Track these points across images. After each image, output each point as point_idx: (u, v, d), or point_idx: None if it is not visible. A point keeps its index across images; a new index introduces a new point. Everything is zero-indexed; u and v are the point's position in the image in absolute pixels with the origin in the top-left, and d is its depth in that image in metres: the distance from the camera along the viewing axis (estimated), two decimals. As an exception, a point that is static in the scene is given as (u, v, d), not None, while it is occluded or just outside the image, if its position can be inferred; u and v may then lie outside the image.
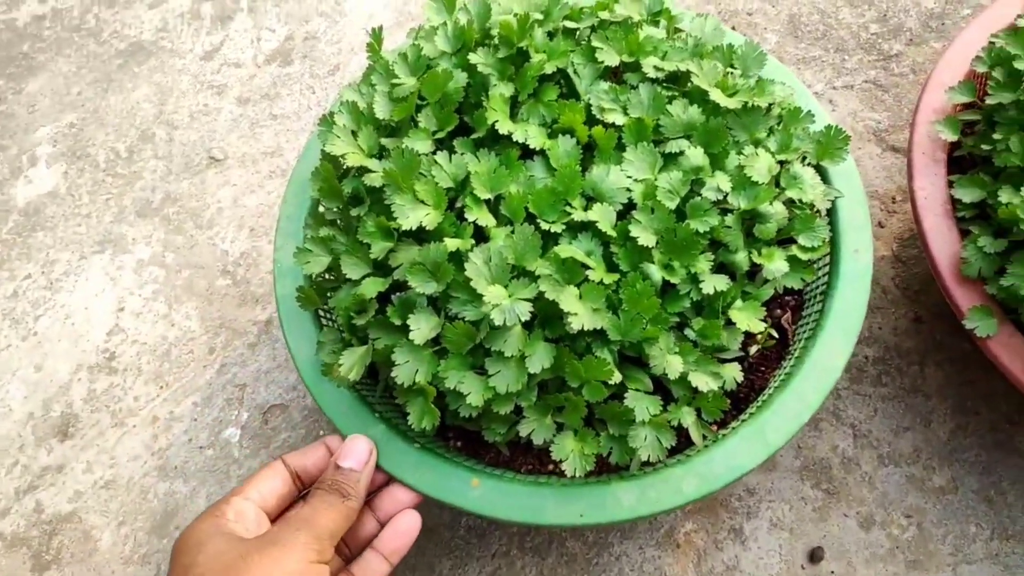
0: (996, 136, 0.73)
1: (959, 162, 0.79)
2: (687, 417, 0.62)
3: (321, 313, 0.71)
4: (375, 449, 0.64)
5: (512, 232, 0.60)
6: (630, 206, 0.63)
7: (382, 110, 0.67)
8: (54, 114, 1.15)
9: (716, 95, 0.67)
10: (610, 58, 0.69)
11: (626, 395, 0.60)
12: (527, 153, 0.65)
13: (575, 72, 0.69)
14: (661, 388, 0.63)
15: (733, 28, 1.12)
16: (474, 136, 0.66)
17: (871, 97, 1.05)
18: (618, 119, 0.66)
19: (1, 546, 0.85)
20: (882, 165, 0.99)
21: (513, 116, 0.67)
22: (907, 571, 0.75)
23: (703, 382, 0.60)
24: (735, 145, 0.68)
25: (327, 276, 0.69)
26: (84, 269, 1.01)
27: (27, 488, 0.88)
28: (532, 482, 0.62)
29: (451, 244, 0.59)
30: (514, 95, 0.67)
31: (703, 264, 0.62)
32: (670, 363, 0.60)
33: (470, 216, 0.61)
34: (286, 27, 1.20)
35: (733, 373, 0.63)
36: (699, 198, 0.64)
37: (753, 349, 0.70)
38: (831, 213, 0.72)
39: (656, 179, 0.64)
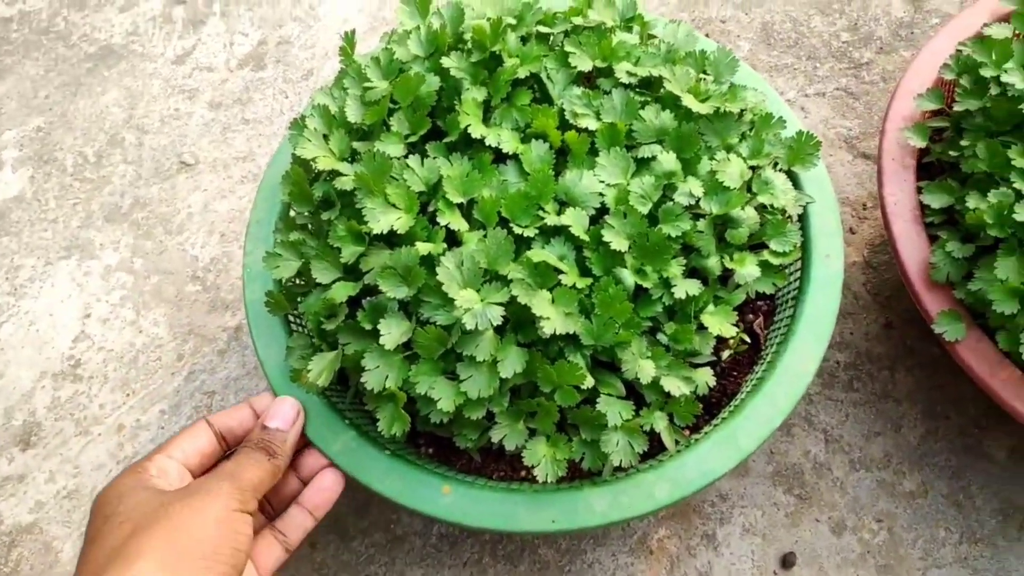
0: (963, 143, 0.73)
1: (928, 168, 0.80)
2: (659, 422, 0.62)
3: (291, 319, 0.70)
4: (303, 411, 0.64)
5: (485, 236, 0.59)
6: (603, 211, 0.63)
7: (354, 114, 0.66)
8: (21, 117, 1.13)
9: (688, 100, 0.67)
10: (583, 63, 0.69)
11: (598, 400, 0.59)
12: (500, 157, 0.65)
13: (548, 77, 0.69)
14: (634, 393, 0.62)
15: (707, 35, 1.12)
16: (447, 140, 0.65)
17: (842, 104, 1.06)
18: (591, 124, 0.66)
19: (-40, 559, 0.83)
20: (853, 172, 1.00)
21: (486, 120, 0.67)
22: None
23: (675, 386, 0.60)
24: (707, 150, 0.68)
25: (297, 281, 0.68)
26: (50, 275, 0.99)
27: (-12, 499, 0.86)
28: (504, 489, 0.61)
29: (423, 248, 0.58)
30: (487, 99, 0.67)
31: (675, 269, 0.62)
32: (642, 367, 0.59)
33: (442, 220, 0.60)
34: (259, 31, 1.19)
35: (705, 378, 0.63)
36: (671, 203, 0.64)
37: (725, 354, 0.70)
38: (803, 219, 0.72)
39: (629, 184, 0.64)
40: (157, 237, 1.01)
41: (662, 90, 0.70)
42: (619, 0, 0.73)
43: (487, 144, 0.64)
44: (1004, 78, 0.72)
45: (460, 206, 0.62)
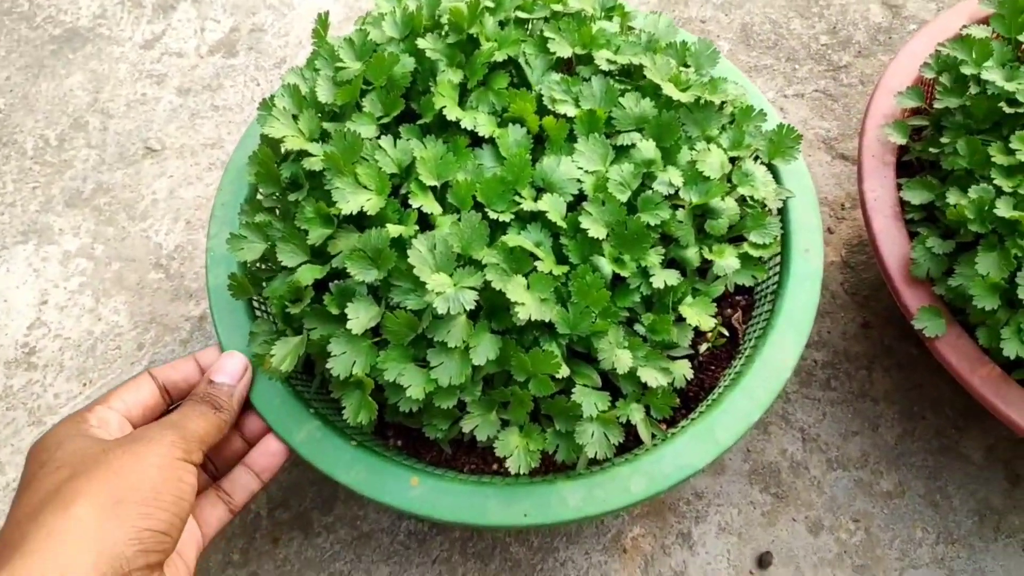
0: (944, 140, 0.73)
1: (907, 167, 0.79)
2: (636, 414, 0.60)
3: (255, 304, 0.67)
4: (250, 367, 0.62)
5: (458, 220, 0.57)
6: (581, 198, 0.62)
7: (325, 94, 0.64)
8: (-20, 99, 1.09)
9: (669, 89, 0.66)
10: (562, 49, 0.67)
11: (573, 390, 0.58)
12: (476, 141, 0.63)
13: (527, 63, 0.68)
14: (610, 385, 0.61)
15: (686, 34, 1.12)
16: (421, 122, 0.64)
17: (821, 106, 1.06)
18: (570, 111, 0.65)
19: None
20: (831, 172, 1.00)
21: (462, 104, 0.65)
22: (854, 576, 0.74)
23: (653, 378, 0.59)
24: (687, 140, 0.67)
25: (262, 266, 0.66)
26: (5, 260, 0.95)
27: (-67, 493, 0.82)
28: (475, 481, 0.59)
29: (393, 230, 0.56)
30: (463, 82, 0.65)
31: (654, 258, 0.61)
32: (619, 358, 0.58)
33: (415, 203, 0.58)
34: (232, 18, 1.16)
35: (683, 370, 0.62)
36: (651, 191, 0.62)
37: (703, 347, 0.69)
38: (782, 213, 0.71)
39: (607, 171, 0.62)
40: (120, 223, 0.97)
41: (642, 80, 0.69)
42: (600, -12, 0.72)
43: (462, 127, 0.62)
44: (984, 75, 0.71)
45: (433, 189, 0.60)
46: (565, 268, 0.58)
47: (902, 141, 0.76)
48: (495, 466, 0.65)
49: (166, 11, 1.17)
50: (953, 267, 0.67)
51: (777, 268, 0.69)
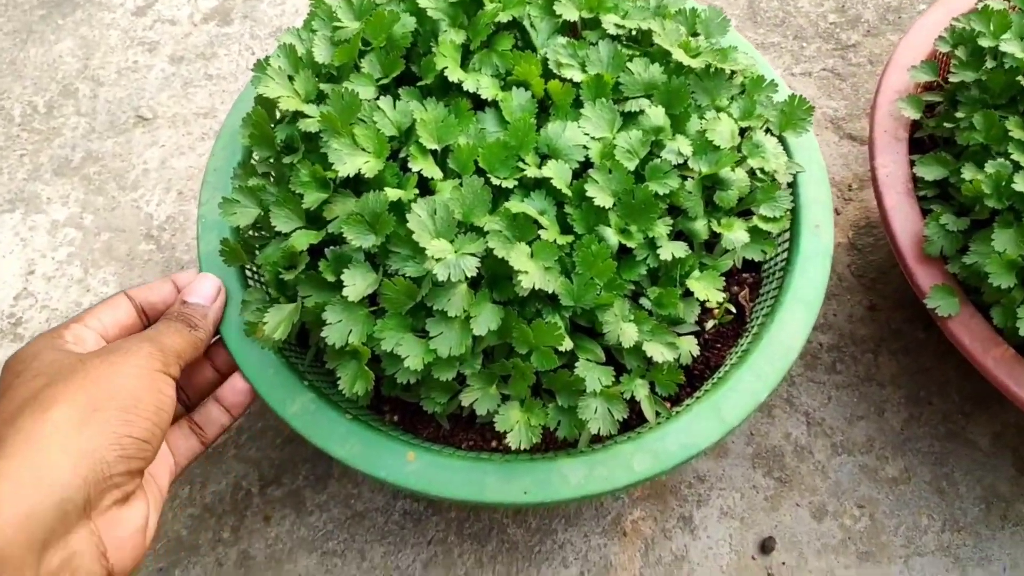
0: (959, 114, 0.71)
1: (919, 144, 0.77)
2: (640, 390, 0.58)
3: (248, 272, 0.65)
4: (224, 288, 0.62)
5: (460, 186, 0.55)
6: (587, 165, 0.59)
7: (322, 54, 0.62)
8: (-34, 65, 1.06)
9: (679, 55, 0.63)
10: (569, 12, 0.65)
11: (576, 364, 0.55)
12: (478, 105, 0.61)
13: (531, 25, 0.65)
14: (613, 361, 0.59)
15: (693, 10, 1.09)
16: (421, 84, 0.61)
17: (828, 85, 1.04)
18: (576, 75, 0.62)
19: None
20: (839, 153, 0.97)
21: (464, 66, 0.63)
22: (859, 563, 0.73)
23: (658, 352, 0.57)
24: (697, 109, 0.64)
25: (255, 232, 0.64)
26: (-9, 230, 0.93)
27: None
28: (473, 457, 0.57)
29: (392, 194, 0.54)
30: (466, 43, 0.63)
31: (661, 229, 0.59)
32: (624, 331, 0.56)
33: (414, 167, 0.56)
34: (227, -13, 1.13)
35: (689, 346, 0.60)
36: (659, 160, 0.60)
37: (709, 324, 0.66)
38: (792, 188, 0.69)
39: (615, 138, 0.60)
40: (109, 193, 0.95)
41: (651, 46, 0.66)
42: (608, -49, 0.69)
43: (465, 90, 0.60)
44: (1002, 47, 0.69)
45: (434, 153, 0.58)
46: (570, 238, 0.56)
47: (916, 115, 0.74)
48: (494, 443, 0.63)
49: (159, -22, 1.14)
50: (967, 245, 0.65)
51: (786, 244, 0.67)
